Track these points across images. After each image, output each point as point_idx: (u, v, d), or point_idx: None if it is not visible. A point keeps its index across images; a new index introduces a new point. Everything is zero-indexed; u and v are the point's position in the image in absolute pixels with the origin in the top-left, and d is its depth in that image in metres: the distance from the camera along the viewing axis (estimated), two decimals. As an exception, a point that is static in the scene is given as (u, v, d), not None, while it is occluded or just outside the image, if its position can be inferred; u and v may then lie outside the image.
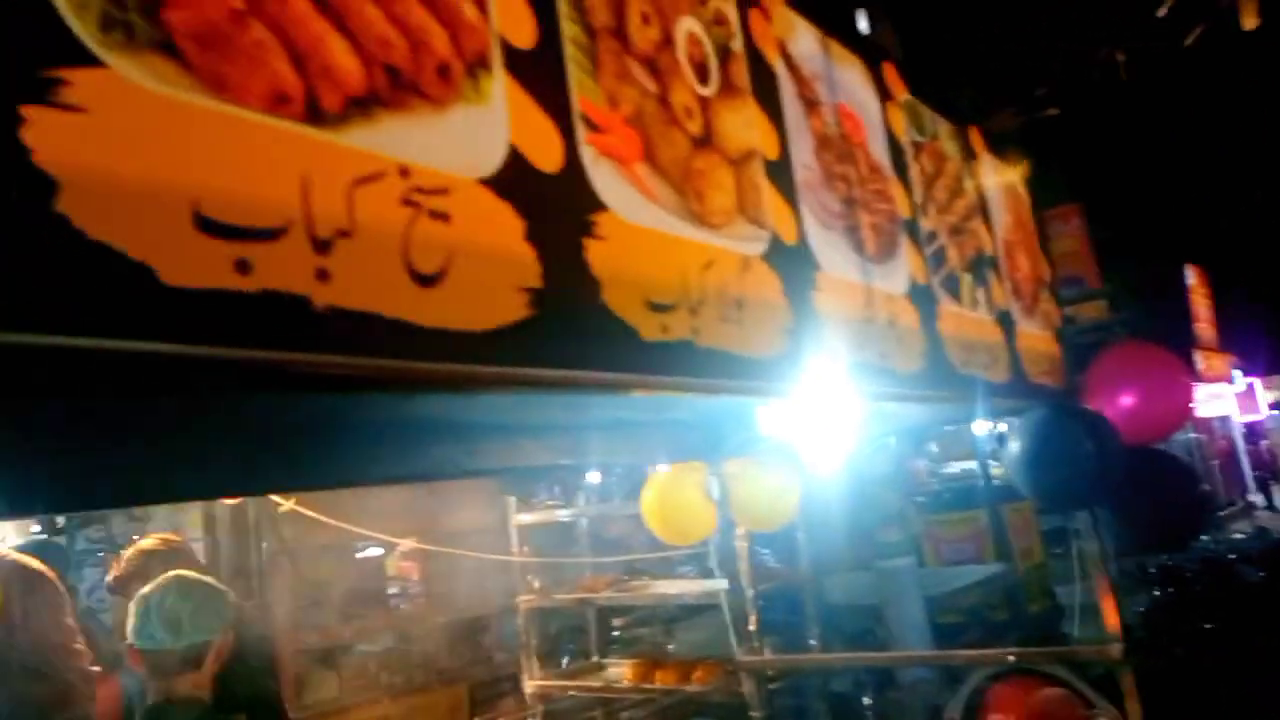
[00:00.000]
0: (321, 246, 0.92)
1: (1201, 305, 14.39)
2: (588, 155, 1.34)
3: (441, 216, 1.07)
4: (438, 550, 6.12)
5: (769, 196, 1.81)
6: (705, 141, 1.65)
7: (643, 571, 6.55)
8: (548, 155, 1.27)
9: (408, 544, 6.75)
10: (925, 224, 2.59)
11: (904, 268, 2.38)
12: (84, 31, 0.76)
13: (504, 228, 1.16)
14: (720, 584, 5.21)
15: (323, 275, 0.91)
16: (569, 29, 1.38)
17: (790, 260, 1.83)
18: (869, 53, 2.51)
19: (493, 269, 1.13)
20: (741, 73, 1.82)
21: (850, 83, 2.34)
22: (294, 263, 0.89)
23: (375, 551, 7.73)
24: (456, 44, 1.16)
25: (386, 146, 1.03)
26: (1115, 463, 3.33)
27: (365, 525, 5.48)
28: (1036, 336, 3.37)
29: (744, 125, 1.79)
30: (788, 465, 4.98)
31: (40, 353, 0.70)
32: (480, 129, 1.17)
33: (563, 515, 6.25)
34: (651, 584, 6.30)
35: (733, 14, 1.84)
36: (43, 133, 0.71)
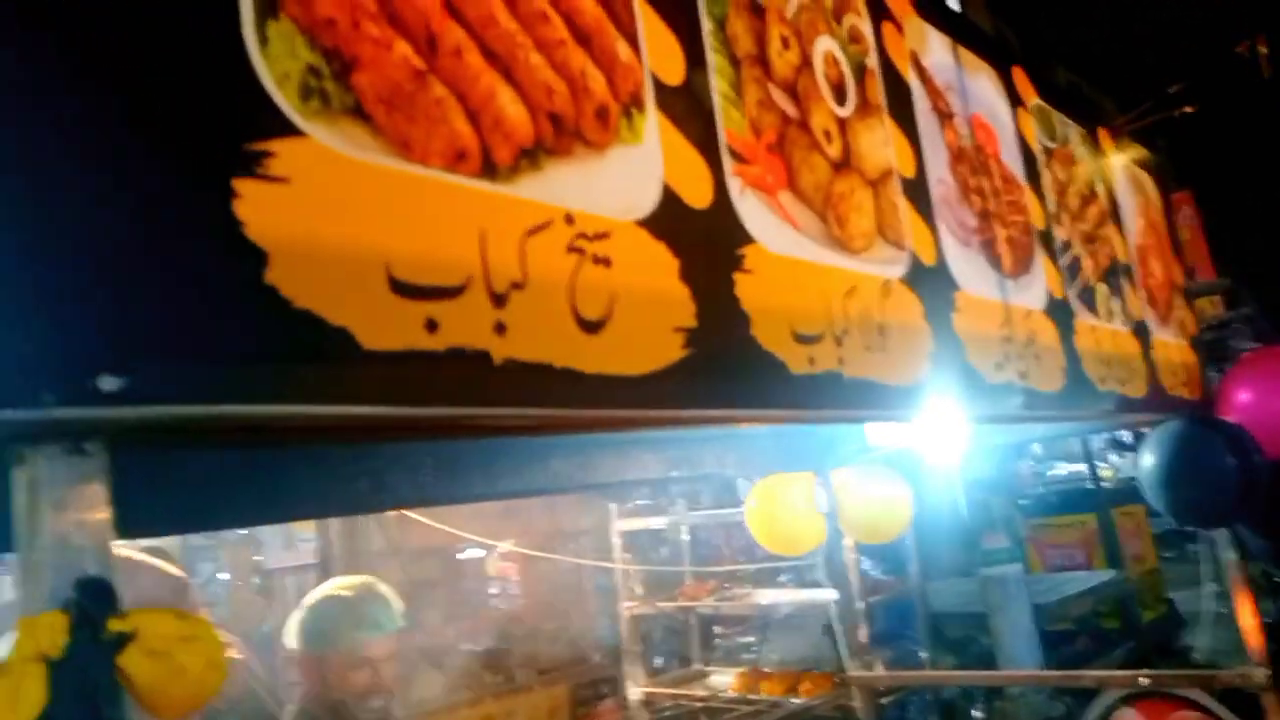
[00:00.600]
0: (499, 300, 0.92)
1: (1340, 298, 13.41)
2: (735, 188, 1.33)
3: (603, 261, 1.07)
4: (539, 555, 6.20)
5: (907, 216, 1.76)
6: (844, 164, 1.61)
7: (742, 579, 6.51)
8: (698, 191, 1.26)
9: (505, 546, 6.87)
10: (1059, 234, 2.49)
11: (1040, 282, 2.28)
12: (286, 102, 0.79)
13: (661, 269, 1.16)
14: (829, 594, 5.13)
15: (500, 329, 0.92)
16: (715, 60, 1.36)
17: (930, 281, 1.77)
18: (998, 57, 2.42)
19: (651, 311, 1.12)
20: (876, 90, 1.78)
21: (982, 91, 2.26)
22: (475, 318, 0.90)
23: (477, 553, 7.90)
24: (613, 85, 1.16)
25: (553, 195, 1.03)
26: (1259, 478, 3.13)
27: (467, 527, 5.59)
28: (1172, 346, 3.20)
29: (881, 144, 1.74)
30: (899, 476, 4.87)
31: (246, 421, 0.73)
32: (636, 170, 1.16)
33: (663, 521, 6.25)
34: (755, 593, 6.26)
35: (867, 30, 1.80)
36: (253, 205, 0.74)
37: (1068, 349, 2.32)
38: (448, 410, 0.85)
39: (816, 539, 4.93)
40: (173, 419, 0.63)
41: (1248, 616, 3.45)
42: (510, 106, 1.01)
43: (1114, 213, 2.98)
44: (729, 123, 1.35)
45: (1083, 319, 2.47)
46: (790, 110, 1.50)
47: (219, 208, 0.72)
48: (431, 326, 0.85)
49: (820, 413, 1.38)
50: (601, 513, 6.63)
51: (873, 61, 1.79)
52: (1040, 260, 2.31)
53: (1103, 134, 3.09)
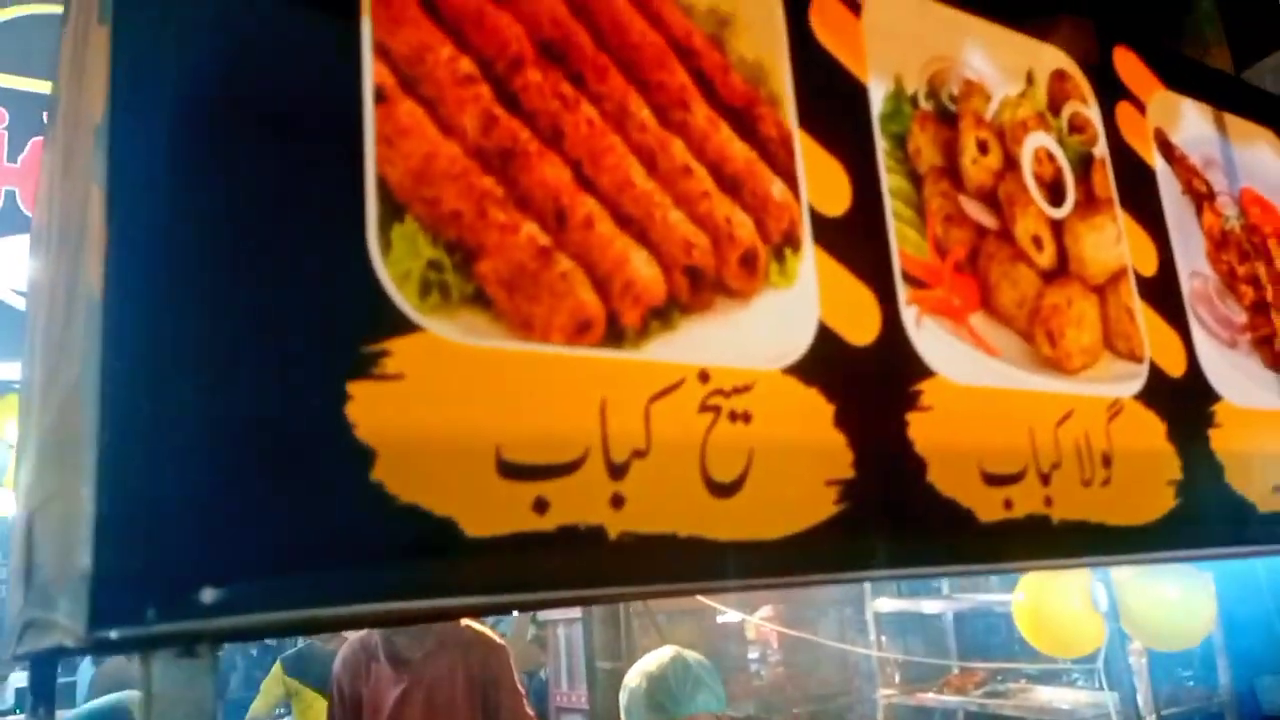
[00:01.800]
0: (617, 471, 0.92)
1: None
2: (910, 318, 1.23)
3: (742, 417, 1.03)
4: (792, 634, 6.06)
5: (1146, 321, 1.55)
6: (1059, 272, 1.45)
7: (1019, 674, 5.94)
8: (863, 327, 1.18)
9: (755, 619, 6.78)
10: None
11: (1346, 380, 1.90)
12: (405, 300, 0.84)
13: (812, 417, 1.10)
14: (1108, 697, 4.56)
15: (618, 501, 0.91)
16: (891, 181, 1.29)
17: (1177, 396, 1.53)
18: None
19: (799, 465, 1.07)
20: (1105, 181, 1.59)
21: (1257, 159, 1.95)
22: (591, 493, 0.90)
23: (736, 616, 7.87)
24: (763, 228, 1.13)
25: (685, 353, 1.01)
26: None
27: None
28: None
29: (1110, 242, 1.55)
30: (1195, 575, 4.24)
31: (342, 619, 0.76)
32: (786, 313, 1.12)
33: (925, 605, 5.88)
34: (1028, 692, 5.70)
35: (1094, 115, 1.62)
36: (364, 406, 0.79)
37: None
38: (554, 594, 0.85)
39: (1093, 641, 4.40)
40: (265, 625, 0.69)
41: None
42: (643, 269, 1.01)
43: None
44: (906, 246, 1.27)
45: None
46: (987, 221, 1.38)
47: (331, 415, 0.78)
48: (541, 507, 0.86)
49: (1018, 564, 1.22)
50: (857, 588, 6.37)
51: (1101, 150, 1.61)
52: (1347, 353, 1.92)
53: None
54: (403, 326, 0.84)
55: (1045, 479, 1.29)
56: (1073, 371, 1.40)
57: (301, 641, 4.17)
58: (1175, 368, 1.56)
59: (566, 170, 0.98)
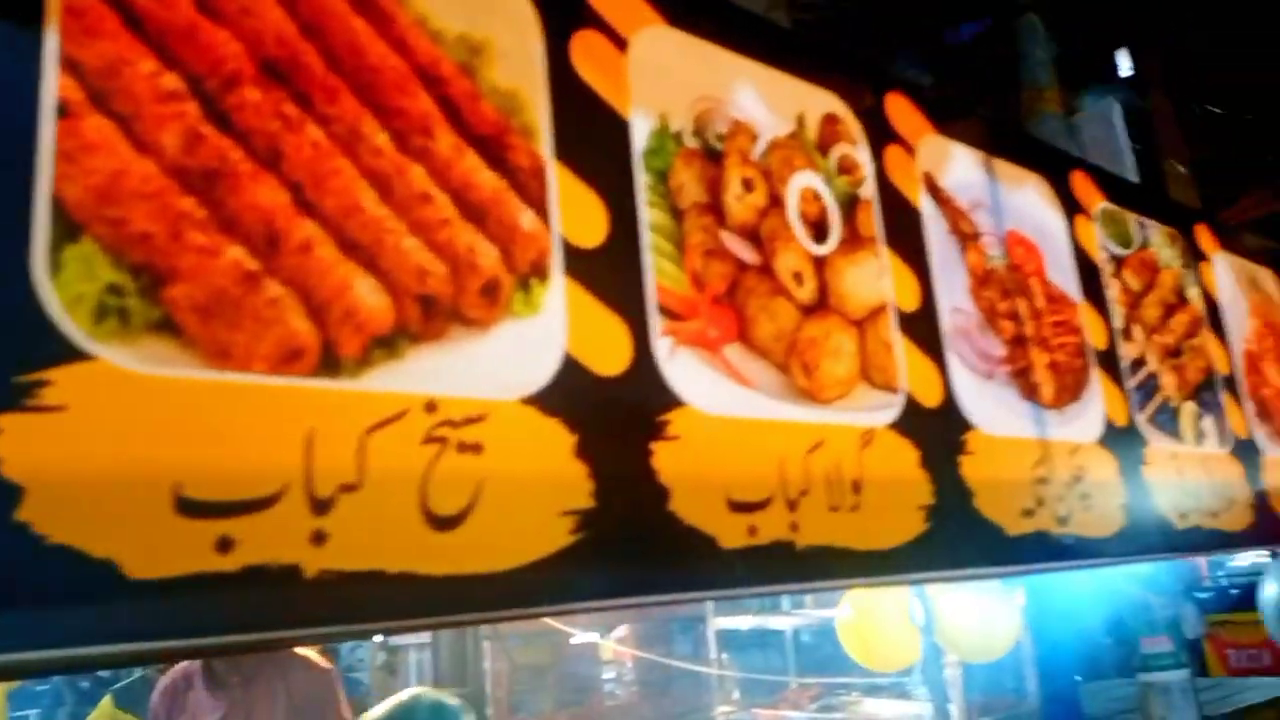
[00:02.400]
0: (321, 507, 0.89)
1: None
2: (663, 349, 1.26)
3: (472, 449, 1.03)
4: (635, 654, 6.09)
5: (905, 354, 1.63)
6: (820, 306, 1.51)
7: (852, 688, 6.15)
8: (611, 358, 1.20)
9: (613, 640, 6.81)
10: (1128, 351, 2.25)
11: (1096, 409, 2.07)
12: (75, 326, 0.79)
13: (551, 448, 1.10)
14: (923, 708, 4.79)
15: (319, 538, 0.88)
16: (651, 215, 1.31)
17: (930, 425, 1.63)
18: (1053, 164, 2.25)
19: (532, 496, 1.07)
20: (871, 221, 1.67)
21: (1026, 203, 2.10)
22: (287, 530, 0.86)
23: (592, 636, 7.85)
24: (509, 258, 1.13)
25: (411, 383, 1.00)
26: None
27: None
28: (1296, 465, 2.82)
29: (873, 278, 1.63)
30: (1003, 592, 4.51)
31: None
32: (528, 343, 1.12)
33: (762, 621, 6.03)
34: (860, 703, 5.91)
35: (864, 157, 1.70)
36: (15, 440, 0.74)
37: (1132, 483, 2.07)
38: (238, 637, 0.82)
39: (911, 656, 4.61)
40: None
41: None
42: (368, 297, 0.99)
43: (1213, 318, 2.69)
44: (663, 278, 1.30)
45: (1158, 445, 2.21)
46: (748, 256, 1.43)
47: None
48: (225, 546, 0.82)
49: (762, 588, 1.26)
50: (700, 607, 6.46)
51: (869, 191, 1.69)
52: (1097, 384, 2.09)
53: (1201, 231, 2.81)
54: (69, 354, 0.79)
55: (793, 505, 1.34)
56: (827, 401, 1.46)
57: (137, 672, 3.96)
58: (931, 398, 1.66)
59: (284, 193, 0.95)
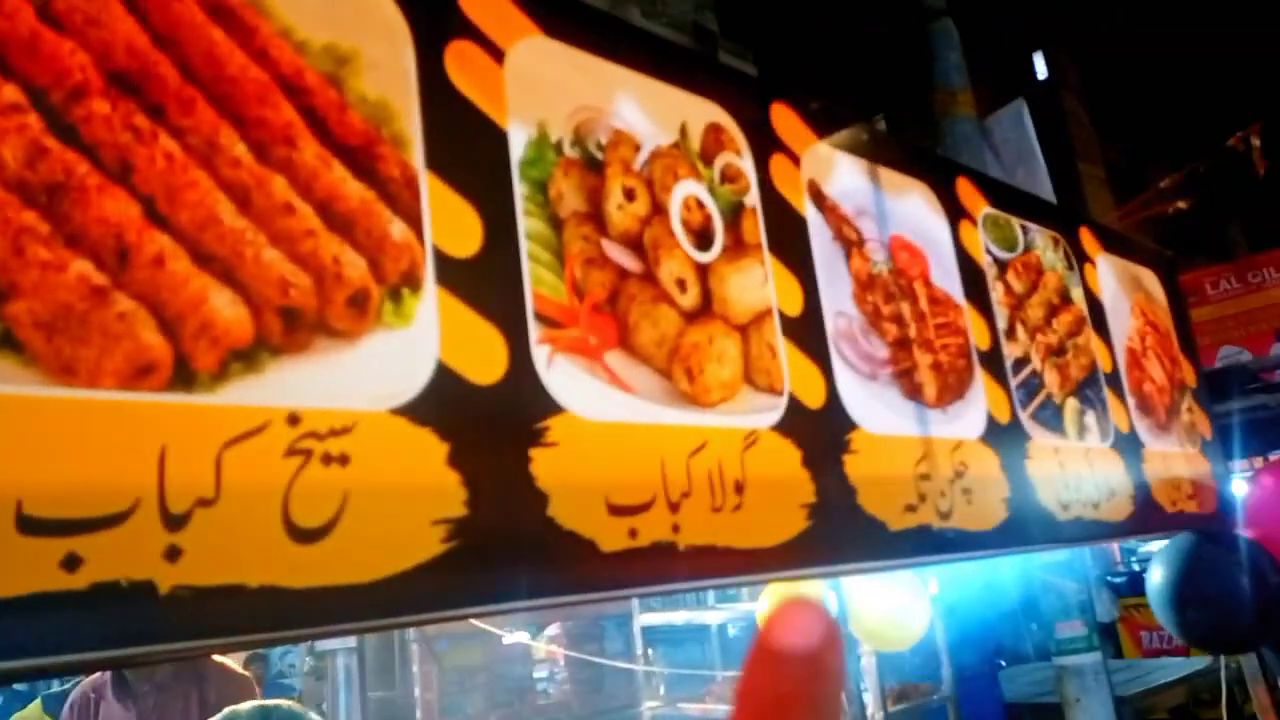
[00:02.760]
0: (176, 522, 0.89)
1: None
2: (541, 357, 1.28)
3: (338, 460, 1.03)
4: (564, 653, 6.09)
5: (788, 357, 1.68)
6: (703, 312, 1.55)
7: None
8: (487, 366, 1.21)
9: (544, 640, 6.79)
10: (1012, 351, 2.35)
11: (979, 407, 2.15)
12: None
13: (421, 457, 1.11)
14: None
15: (173, 554, 0.88)
16: (529, 224, 1.33)
17: (813, 425, 1.68)
18: (938, 171, 2.34)
19: (401, 505, 1.07)
20: (755, 228, 1.72)
21: (909, 210, 2.18)
22: (138, 547, 0.86)
23: (523, 636, 7.81)
24: (378, 269, 1.13)
25: (272, 396, 1.00)
26: (1277, 600, 2.86)
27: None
28: (1174, 456, 2.98)
29: (757, 284, 1.67)
30: (914, 583, 4.64)
31: None
32: (398, 354, 1.12)
33: (690, 617, 6.09)
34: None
35: (748, 166, 1.75)
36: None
37: (1015, 477, 2.17)
38: (88, 655, 0.81)
39: (828, 646, 4.70)
40: None
41: (1283, 753, 3.14)
42: (225, 309, 0.98)
43: (1096, 318, 2.82)
44: (541, 287, 1.31)
45: (1041, 440, 2.32)
46: (630, 264, 1.46)
47: None
48: (72, 564, 0.81)
49: (644, 589, 1.29)
50: (625, 605, 6.50)
51: (753, 199, 1.74)
52: (980, 383, 2.18)
53: (1085, 234, 2.95)
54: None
55: (674, 507, 1.37)
56: (710, 405, 1.50)
57: (70, 680, 3.92)
58: (814, 399, 1.71)
59: (135, 206, 0.94)
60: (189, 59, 1.02)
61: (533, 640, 8.04)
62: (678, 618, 6.27)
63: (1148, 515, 2.70)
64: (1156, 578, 3.05)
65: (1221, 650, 3.56)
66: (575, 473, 1.25)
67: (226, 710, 2.15)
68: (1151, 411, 2.95)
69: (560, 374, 1.29)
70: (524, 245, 1.31)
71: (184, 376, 0.94)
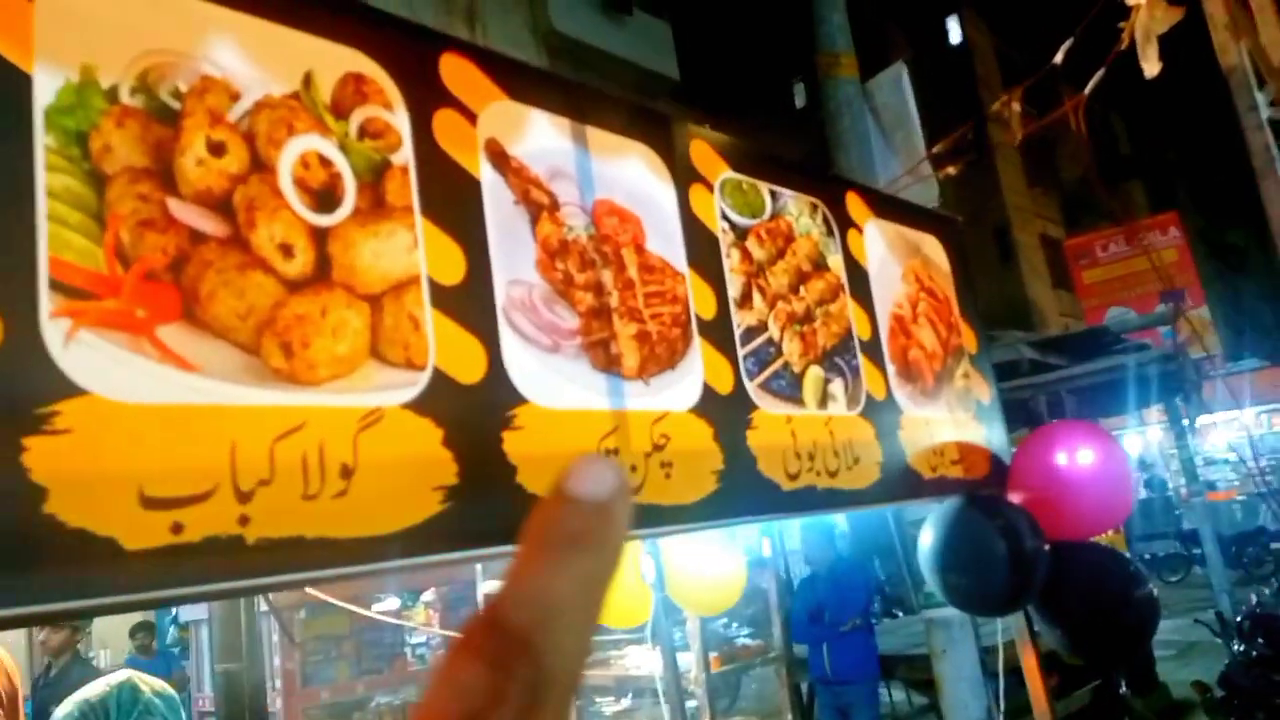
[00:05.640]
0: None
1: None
2: (55, 332, 1.13)
3: None
4: (386, 621, 5.98)
5: (437, 329, 1.57)
6: (316, 280, 1.42)
7: (622, 642, 6.30)
8: (-35, 344, 1.06)
9: (419, 609, 6.67)
10: (745, 319, 2.30)
11: (694, 377, 2.09)
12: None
13: None
14: (656, 659, 4.94)
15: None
16: (53, 180, 1.17)
17: (464, 401, 1.57)
18: (666, 132, 2.24)
19: None
20: (403, 189, 1.59)
21: (624, 173, 2.08)
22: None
23: (394, 602, 7.66)
24: None
25: None
26: (1036, 565, 2.94)
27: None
28: (940, 422, 3.01)
29: (399, 250, 1.55)
30: (730, 547, 4.67)
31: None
32: None
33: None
34: (626, 654, 6.06)
35: (400, 121, 1.61)
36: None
37: (732, 447, 2.12)
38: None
39: (645, 611, 4.72)
40: None
41: (1040, 699, 3.27)
42: None
43: (858, 285, 2.80)
44: (66, 253, 1.16)
45: (770, 410, 2.28)
46: (208, 227, 1.31)
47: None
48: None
49: (178, 592, 1.16)
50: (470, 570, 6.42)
51: (404, 157, 1.61)
52: (697, 353, 2.12)
53: (854, 200, 2.92)
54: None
55: (245, 497, 1.24)
56: (315, 383, 1.38)
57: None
58: (470, 374, 1.60)
59: None
60: None
61: (408, 607, 7.91)
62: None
63: (900, 482, 2.72)
64: (924, 542, 3.10)
65: (983, 613, 3.67)
66: (93, 463, 1.11)
67: (78, 694, 2.22)
68: (916, 378, 2.96)
69: (84, 352, 1.14)
70: (42, 203, 1.15)
71: None
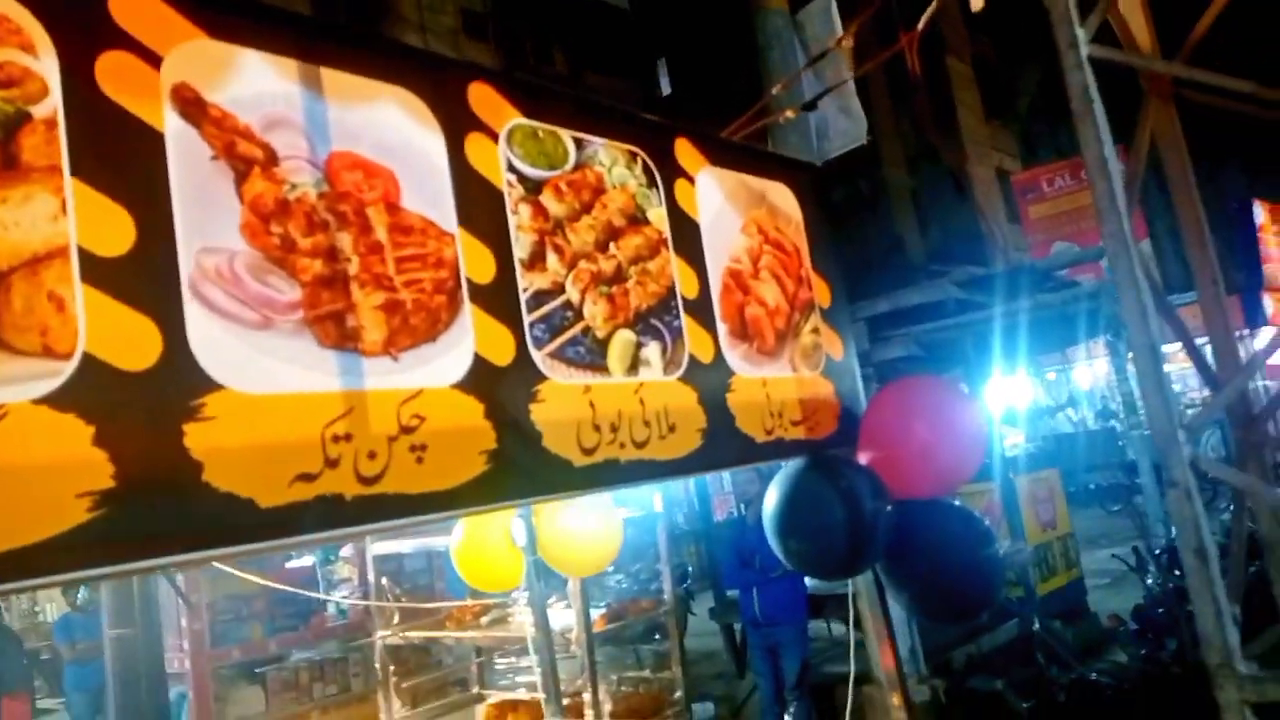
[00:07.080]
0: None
1: (1273, 244, 13.78)
2: None
3: None
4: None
5: (92, 309, 1.36)
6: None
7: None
8: None
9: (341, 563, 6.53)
10: (534, 282, 2.11)
11: (462, 349, 1.90)
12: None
13: None
14: (529, 620, 4.86)
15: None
16: None
17: (132, 392, 1.37)
18: (435, 75, 2.01)
19: None
20: (51, 147, 1.36)
21: (373, 121, 1.86)
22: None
23: (308, 560, 7.47)
24: None
25: None
26: (875, 527, 2.84)
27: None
28: (779, 382, 2.87)
29: (42, 219, 1.33)
30: (604, 509, 4.55)
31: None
32: None
33: (412, 546, 5.92)
34: (521, 615, 5.97)
35: (46, 67, 1.38)
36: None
37: (510, 424, 1.95)
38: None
39: (516, 576, 4.60)
40: None
41: (887, 654, 3.24)
42: None
43: (685, 239, 2.62)
44: None
45: (562, 380, 2.11)
46: None
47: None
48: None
49: None
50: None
51: (50, 108, 1.37)
52: (468, 322, 1.93)
53: (684, 147, 2.72)
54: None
55: None
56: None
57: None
58: (137, 360, 1.40)
59: None
60: None
61: (330, 562, 7.72)
62: (412, 545, 6.09)
63: (727, 447, 2.58)
64: (766, 506, 3.00)
65: (824, 576, 3.62)
66: None
67: None
68: (753, 337, 2.81)
69: None
70: None
71: None
